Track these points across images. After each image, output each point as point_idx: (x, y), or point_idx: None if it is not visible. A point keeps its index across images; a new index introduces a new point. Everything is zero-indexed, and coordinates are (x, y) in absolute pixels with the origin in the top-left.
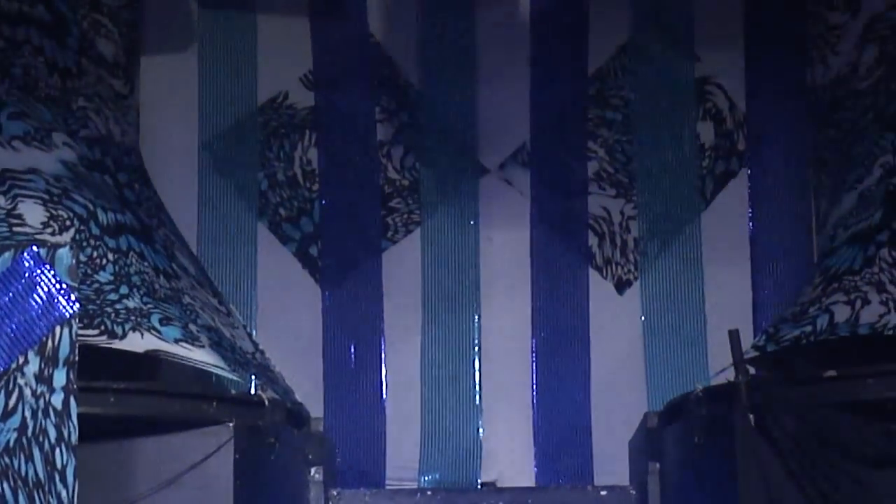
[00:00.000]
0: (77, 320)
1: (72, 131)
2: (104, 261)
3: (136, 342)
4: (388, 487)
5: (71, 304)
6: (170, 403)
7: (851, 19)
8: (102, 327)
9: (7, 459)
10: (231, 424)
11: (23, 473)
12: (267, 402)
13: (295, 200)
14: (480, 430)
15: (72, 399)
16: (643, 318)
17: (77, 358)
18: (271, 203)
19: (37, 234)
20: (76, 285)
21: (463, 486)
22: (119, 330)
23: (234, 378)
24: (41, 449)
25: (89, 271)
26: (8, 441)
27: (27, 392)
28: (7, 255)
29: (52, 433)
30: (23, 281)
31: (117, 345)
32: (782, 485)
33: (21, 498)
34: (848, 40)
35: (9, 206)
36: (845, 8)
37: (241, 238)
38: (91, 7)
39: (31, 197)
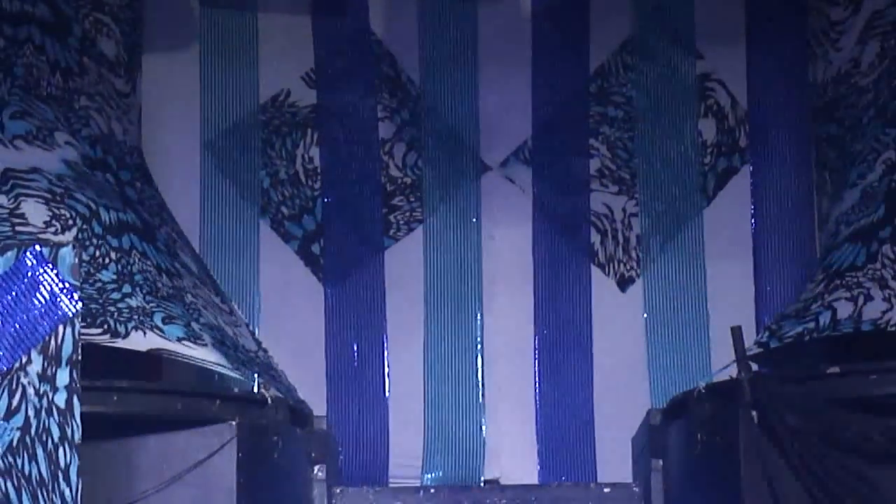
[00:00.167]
0: (80, 319)
1: (74, 130)
2: (107, 260)
3: (139, 341)
4: (391, 485)
5: (74, 303)
6: (173, 402)
7: (853, 15)
8: (105, 326)
9: (11, 458)
10: (234, 423)
11: (26, 472)
12: (270, 401)
13: (297, 198)
14: (483, 428)
15: (75, 398)
16: (646, 315)
17: (80, 357)
18: (273, 201)
19: (39, 233)
20: (79, 284)
21: (466, 483)
22: (122, 329)
23: (237, 376)
24: (44, 448)
25: (92, 270)
26: (11, 440)
27: (30, 391)
28: (10, 254)
29: (56, 432)
30: (26, 280)
31: (120, 344)
32: (785, 480)
33: (25, 496)
34: (849, 36)
35: (11, 206)
36: (846, 4)
37: (243, 236)
38: (93, 6)
39: (34, 196)
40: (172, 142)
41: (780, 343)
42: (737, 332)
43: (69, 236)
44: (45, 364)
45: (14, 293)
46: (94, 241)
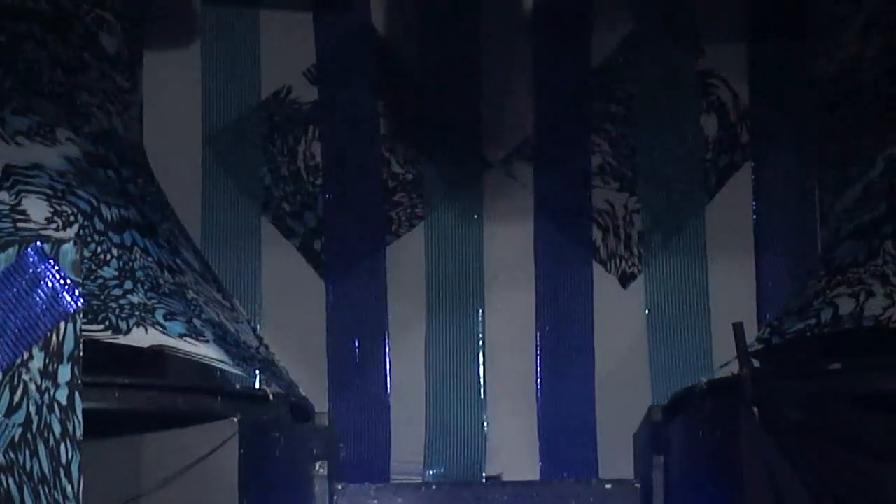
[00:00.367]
0: (81, 316)
1: (75, 126)
2: (108, 256)
3: (141, 337)
4: (392, 481)
5: (75, 299)
6: (174, 398)
7: (855, 10)
8: (107, 322)
9: (12, 455)
10: (236, 419)
11: (28, 469)
12: (271, 397)
13: (298, 195)
14: (485, 424)
15: (76, 394)
16: (647, 311)
17: (81, 353)
18: (275, 197)
19: (41, 229)
20: (80, 281)
21: (468, 479)
22: (123, 325)
23: (239, 373)
24: (46, 444)
25: (93, 266)
26: (13, 437)
27: (32, 387)
28: (11, 250)
29: (57, 428)
30: (27, 276)
31: (122, 340)
32: (787, 478)
33: (26, 493)
34: (852, 32)
35: (13, 202)
36: None
37: (244, 233)
38: (94, 2)
39: (35, 192)
40: (174, 138)
41: (782, 339)
42: (738, 329)
43: (71, 233)
44: (47, 360)
45: (15, 289)
46: (96, 237)
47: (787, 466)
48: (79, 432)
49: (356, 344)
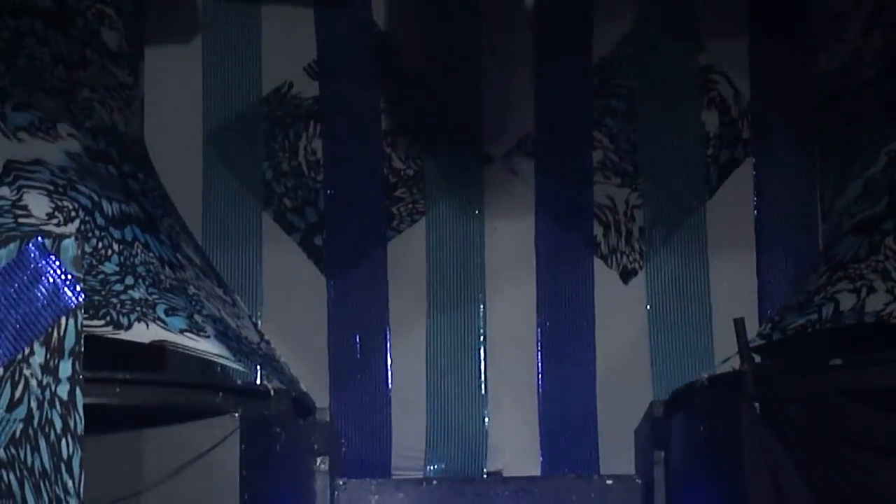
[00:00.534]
0: (82, 311)
1: (76, 122)
2: (109, 251)
3: (142, 333)
4: (393, 477)
5: (76, 294)
6: (175, 394)
7: (856, 7)
8: (108, 318)
9: (13, 450)
10: (237, 414)
11: (29, 464)
12: (272, 392)
13: (300, 190)
14: (486, 420)
15: (77, 390)
16: (648, 307)
17: (83, 348)
18: (276, 193)
19: (42, 224)
20: (81, 276)
21: (469, 475)
22: (125, 320)
23: (240, 368)
24: (47, 439)
25: (94, 262)
26: (14, 432)
27: (33, 383)
28: (13, 245)
29: (58, 424)
30: (28, 272)
31: (123, 335)
32: (787, 472)
33: (27, 488)
34: (853, 28)
35: (14, 197)
36: None
37: (245, 228)
38: None
39: (37, 188)
40: (175, 133)
41: (783, 335)
42: (739, 324)
43: (72, 228)
44: (48, 355)
45: (17, 285)
46: (97, 232)
47: (789, 461)
48: (80, 428)
49: (357, 339)
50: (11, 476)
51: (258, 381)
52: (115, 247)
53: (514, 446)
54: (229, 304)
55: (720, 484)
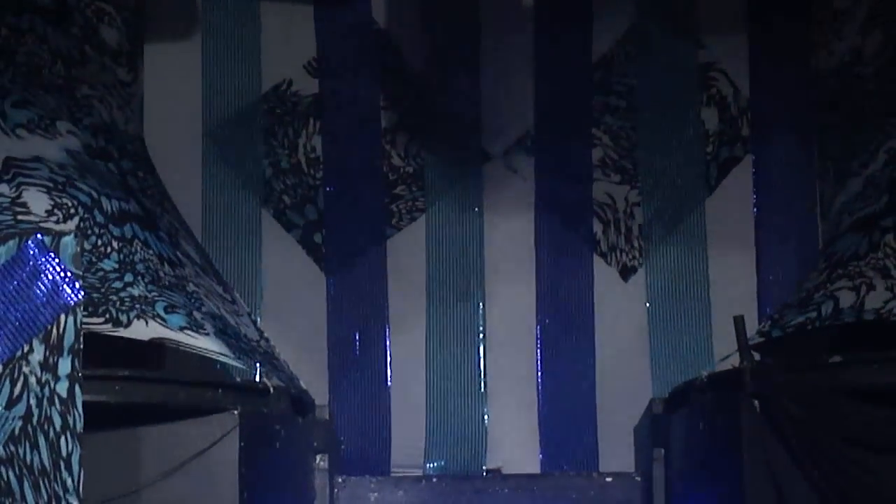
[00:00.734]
0: (82, 308)
1: (76, 119)
2: (109, 249)
3: (141, 330)
4: (393, 474)
5: (75, 292)
6: (175, 391)
7: (856, 4)
8: (107, 315)
9: (12, 447)
10: (236, 412)
11: (28, 461)
12: (272, 390)
13: (299, 188)
14: (485, 417)
15: (77, 387)
16: (648, 304)
17: (82, 346)
18: (275, 191)
19: (41, 222)
20: (81, 273)
21: (468, 472)
22: (124, 318)
23: (239, 365)
24: (46, 437)
25: (94, 259)
26: (13, 429)
27: (32, 380)
28: (12, 243)
29: (58, 421)
30: (27, 269)
31: (122, 333)
32: (787, 470)
33: (26, 486)
34: (852, 25)
35: (13, 195)
36: None
37: (245, 226)
38: None
39: (36, 185)
40: (174, 131)
41: (783, 332)
42: (739, 322)
43: (71, 225)
44: (47, 353)
45: (16, 282)
46: (96, 230)
47: (788, 459)
48: (79, 425)
49: (357, 337)
50: (10, 473)
51: (257, 379)
52: (115, 244)
53: (514, 443)
54: (228, 302)
55: (720, 481)
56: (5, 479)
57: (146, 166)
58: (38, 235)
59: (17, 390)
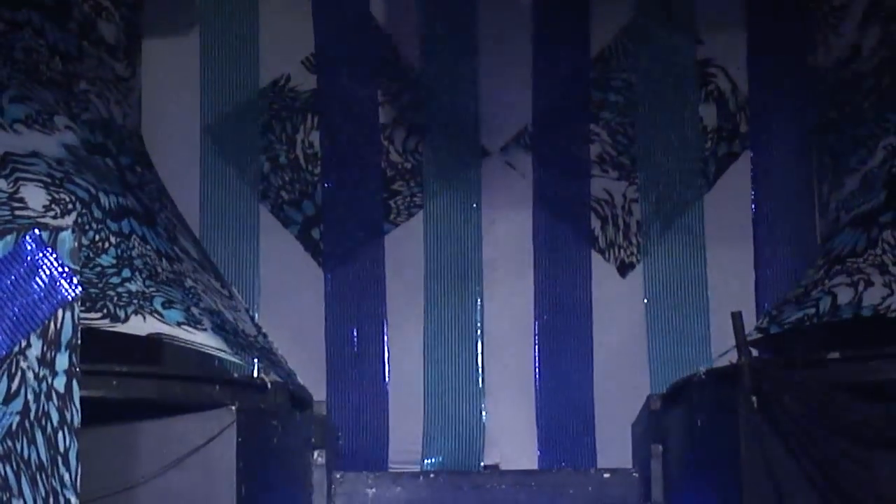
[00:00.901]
0: (79, 303)
1: (74, 114)
2: (106, 244)
3: (139, 325)
4: (390, 470)
5: (73, 287)
6: (172, 387)
7: (854, 1)
8: (105, 310)
9: (10, 443)
10: (234, 408)
11: (25, 456)
12: (269, 386)
13: (297, 183)
14: (483, 413)
15: (74, 382)
16: (646, 300)
17: (79, 341)
18: (273, 186)
19: (39, 217)
20: (78, 269)
21: (466, 468)
22: (121, 313)
23: (237, 361)
24: (44, 432)
25: (91, 255)
26: (10, 424)
27: (30, 375)
28: (9, 238)
29: (55, 416)
30: (25, 264)
31: (120, 328)
32: (785, 466)
33: (24, 481)
34: (850, 22)
35: (11, 190)
36: None
37: (243, 221)
38: None
39: (33, 180)
40: (172, 126)
41: (781, 328)
42: (737, 318)
43: (69, 220)
44: (45, 348)
45: (13, 277)
46: (94, 225)
47: (786, 454)
48: (77, 420)
49: (355, 332)
50: (8, 469)
51: (255, 375)
52: (112, 239)
53: (512, 439)
54: (226, 297)
55: (717, 477)
56: (3, 474)
57: (144, 161)
58: (36, 231)
59: (14, 385)
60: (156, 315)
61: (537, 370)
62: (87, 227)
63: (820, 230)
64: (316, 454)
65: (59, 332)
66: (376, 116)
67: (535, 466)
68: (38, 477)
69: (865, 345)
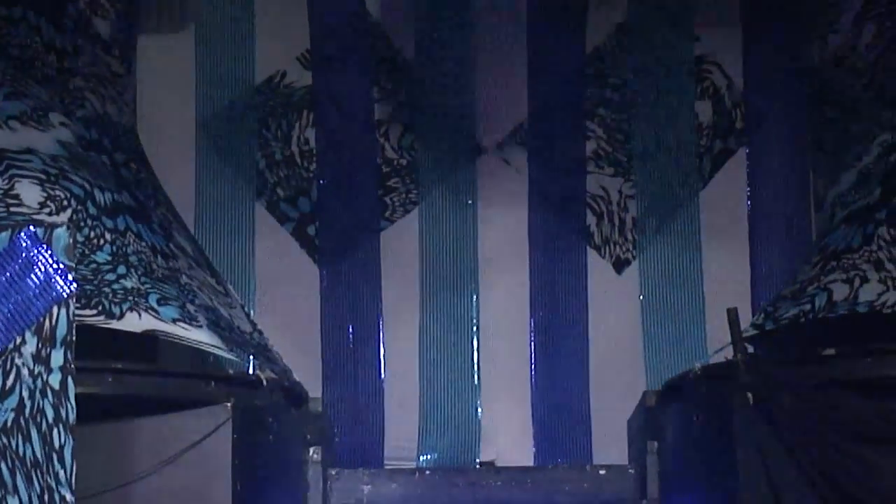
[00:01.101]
0: (74, 300)
1: (68, 111)
2: (101, 241)
3: (134, 322)
4: (386, 467)
5: (68, 284)
6: (167, 383)
7: None
8: (100, 307)
9: (5, 439)
10: (229, 404)
11: (20, 453)
12: (265, 382)
13: (293, 180)
14: (479, 410)
15: (69, 379)
16: (641, 297)
17: (74, 338)
18: (269, 183)
19: (34, 214)
20: (73, 265)
21: (461, 465)
22: (117, 310)
23: (232, 358)
24: (39, 429)
25: (87, 251)
26: (5, 421)
27: (24, 372)
28: (4, 235)
29: (50, 413)
30: (20, 261)
31: (115, 325)
32: (780, 462)
33: (19, 478)
34: (846, 18)
35: (6, 187)
36: None
37: (238, 218)
38: None
39: (28, 177)
40: (167, 123)
41: (776, 325)
42: (732, 314)
43: (64, 217)
44: (40, 345)
45: (8, 274)
46: (89, 221)
47: (782, 451)
48: (72, 417)
49: (350, 329)
50: (3, 465)
51: (250, 371)
52: (108, 236)
53: (507, 436)
54: (222, 294)
55: (713, 474)
56: None
57: (139, 158)
58: (31, 227)
59: (9, 382)
60: (151, 312)
61: (533, 367)
62: (82, 223)
63: (815, 226)
64: (312, 451)
65: (53, 329)
66: (371, 113)
67: (530, 463)
68: (33, 474)
69: (861, 341)
